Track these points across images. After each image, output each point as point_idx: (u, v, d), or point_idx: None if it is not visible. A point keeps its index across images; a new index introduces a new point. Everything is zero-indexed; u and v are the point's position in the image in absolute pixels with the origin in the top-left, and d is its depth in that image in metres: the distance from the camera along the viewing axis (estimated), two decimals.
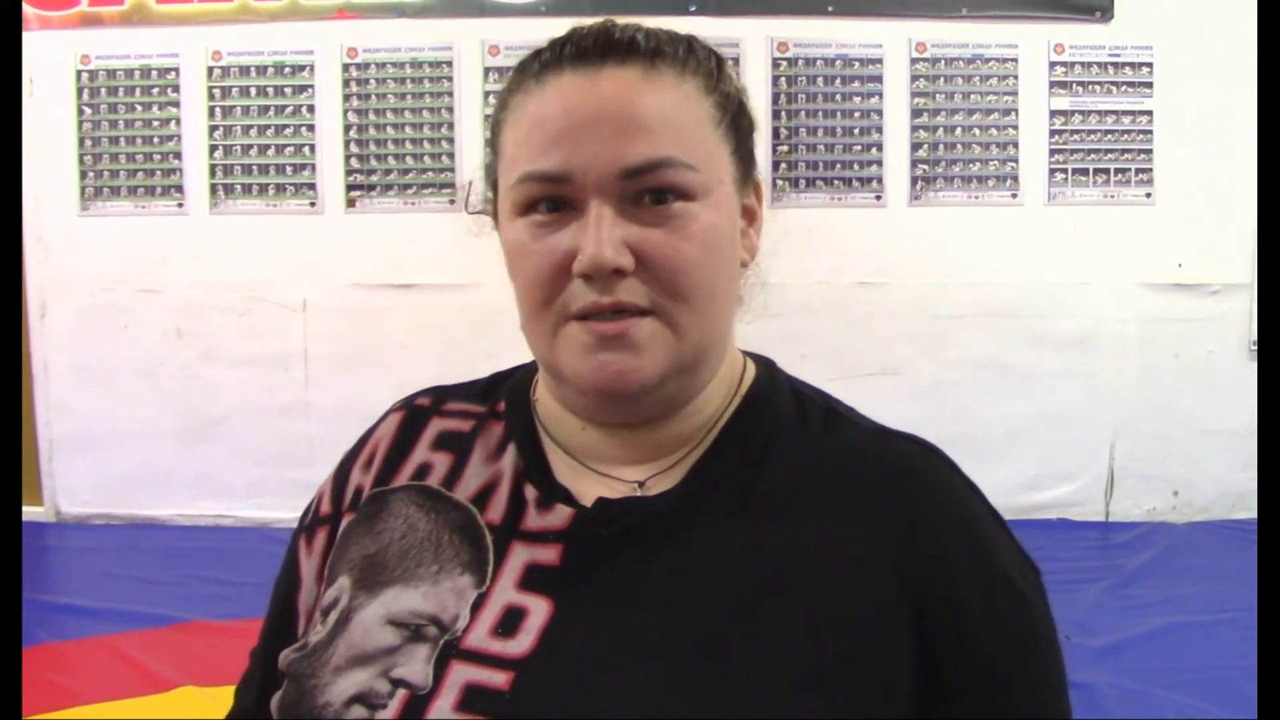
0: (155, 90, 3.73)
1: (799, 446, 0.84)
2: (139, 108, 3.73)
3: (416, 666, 0.77)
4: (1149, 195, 3.77)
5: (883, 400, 3.69)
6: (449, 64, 3.68)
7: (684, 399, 0.83)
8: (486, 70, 3.66)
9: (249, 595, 3.33)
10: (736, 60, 3.62)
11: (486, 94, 3.66)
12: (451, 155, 3.69)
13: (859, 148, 3.72)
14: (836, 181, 3.72)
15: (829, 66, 3.70)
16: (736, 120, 0.83)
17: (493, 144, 0.84)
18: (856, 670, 0.74)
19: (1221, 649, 2.72)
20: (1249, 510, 3.78)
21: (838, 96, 3.71)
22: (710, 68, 0.82)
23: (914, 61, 3.70)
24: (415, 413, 0.93)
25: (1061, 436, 3.79)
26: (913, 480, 0.82)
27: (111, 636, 2.77)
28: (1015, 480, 3.68)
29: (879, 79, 3.71)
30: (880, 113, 3.72)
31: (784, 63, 3.67)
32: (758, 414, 0.85)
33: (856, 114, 3.72)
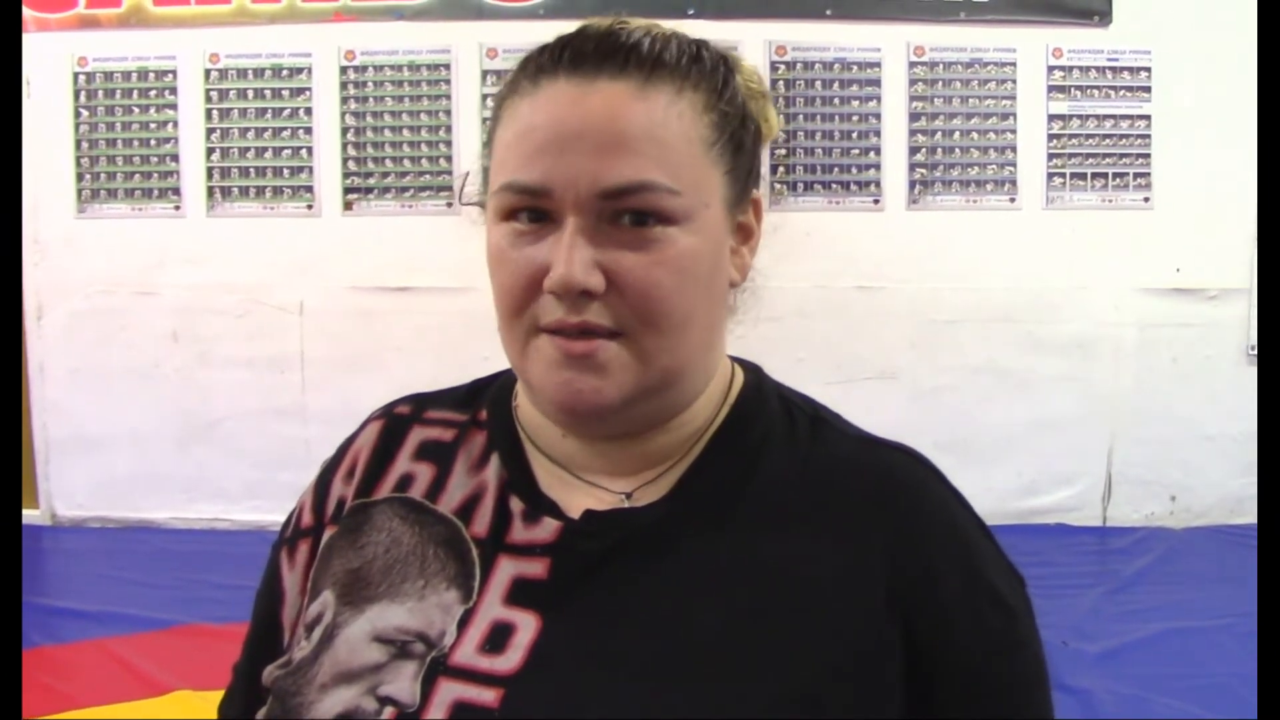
0: (153, 93, 3.74)
1: (787, 456, 0.83)
2: (136, 110, 3.74)
3: (404, 684, 0.76)
4: (1147, 200, 3.78)
5: (880, 404, 3.72)
6: (446, 67, 3.69)
7: (662, 417, 0.83)
8: (484, 73, 3.68)
9: (245, 599, 3.34)
10: None
11: (484, 97, 3.67)
12: (449, 158, 3.70)
13: (857, 151, 3.74)
14: (834, 185, 3.74)
15: (827, 70, 3.71)
16: (736, 136, 0.81)
17: (489, 136, 0.83)
18: (846, 683, 0.75)
19: (1220, 655, 2.73)
20: (1247, 516, 3.78)
21: (836, 100, 3.72)
22: (715, 81, 0.80)
23: (912, 65, 3.72)
24: (395, 421, 0.92)
25: (1059, 441, 3.79)
26: (900, 492, 0.82)
27: (107, 640, 2.77)
28: (1013, 485, 3.69)
29: (877, 83, 3.72)
30: (878, 116, 3.73)
31: (782, 66, 3.68)
32: (745, 424, 0.85)
33: (855, 117, 3.73)
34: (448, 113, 3.70)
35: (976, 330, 3.75)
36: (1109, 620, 2.95)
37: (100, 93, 3.74)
